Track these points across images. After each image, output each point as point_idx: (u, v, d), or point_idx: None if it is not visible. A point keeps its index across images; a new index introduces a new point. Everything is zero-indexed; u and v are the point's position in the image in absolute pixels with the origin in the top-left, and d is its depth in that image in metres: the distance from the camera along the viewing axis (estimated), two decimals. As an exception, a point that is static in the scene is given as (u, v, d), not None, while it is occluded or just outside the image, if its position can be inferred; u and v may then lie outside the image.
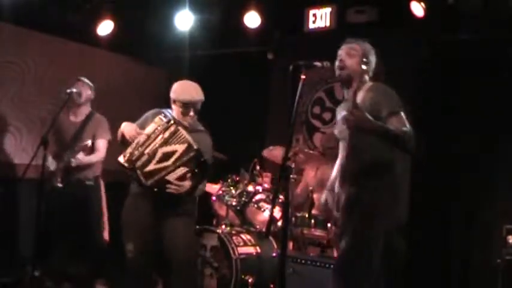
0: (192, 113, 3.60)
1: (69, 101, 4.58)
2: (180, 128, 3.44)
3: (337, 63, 3.24)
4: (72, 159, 4.50)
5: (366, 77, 3.25)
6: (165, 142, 3.40)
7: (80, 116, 4.80)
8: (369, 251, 3.04)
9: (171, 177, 3.36)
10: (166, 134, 3.41)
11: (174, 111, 3.66)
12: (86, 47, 5.98)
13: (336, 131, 3.37)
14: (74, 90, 4.62)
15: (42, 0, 5.35)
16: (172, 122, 3.46)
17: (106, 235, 4.92)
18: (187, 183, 3.40)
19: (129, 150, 3.41)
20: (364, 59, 3.21)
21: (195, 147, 3.39)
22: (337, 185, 3.28)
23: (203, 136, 3.72)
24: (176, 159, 3.37)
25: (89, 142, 4.58)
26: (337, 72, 3.22)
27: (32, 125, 5.61)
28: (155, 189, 3.39)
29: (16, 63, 5.57)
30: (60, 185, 4.54)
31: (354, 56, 3.20)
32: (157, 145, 3.39)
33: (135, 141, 3.41)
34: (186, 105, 3.58)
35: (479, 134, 4.99)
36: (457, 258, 5.08)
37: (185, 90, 3.62)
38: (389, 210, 3.08)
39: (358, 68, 3.19)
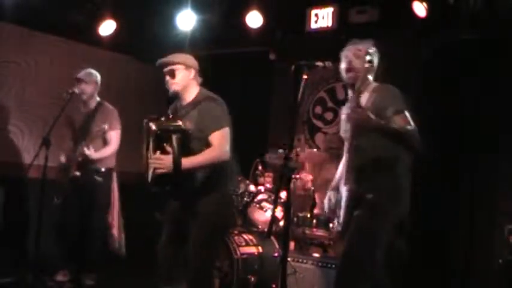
0: (167, 77, 3.41)
1: (71, 101, 4.59)
2: (150, 122, 3.29)
3: (344, 65, 3.27)
4: (85, 148, 4.48)
5: (370, 77, 3.28)
6: (148, 143, 3.31)
7: (89, 107, 4.79)
8: (372, 249, 3.07)
9: (153, 165, 3.21)
10: (145, 136, 3.33)
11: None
12: (88, 47, 5.99)
13: (341, 131, 3.41)
14: (76, 90, 4.62)
15: (44, 0, 5.36)
16: (145, 122, 3.34)
17: (115, 231, 4.90)
18: (166, 160, 3.16)
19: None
20: (369, 60, 3.24)
21: (154, 128, 3.23)
22: (341, 183, 3.31)
23: (203, 108, 3.37)
24: (151, 151, 3.26)
25: (105, 126, 4.57)
26: (347, 75, 3.24)
27: (34, 125, 5.62)
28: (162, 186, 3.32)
29: (17, 63, 5.59)
30: (78, 173, 4.54)
31: (360, 57, 3.23)
32: (149, 151, 3.31)
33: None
34: (164, 71, 3.44)
35: (479, 134, 5.00)
36: (458, 259, 5.08)
37: None
38: (393, 208, 3.12)
39: (364, 69, 3.22)
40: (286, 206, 3.06)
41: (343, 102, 5.92)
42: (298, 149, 4.71)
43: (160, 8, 5.82)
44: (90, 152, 4.51)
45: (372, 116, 3.03)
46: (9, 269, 4.73)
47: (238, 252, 4.26)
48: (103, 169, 4.69)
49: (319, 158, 5.01)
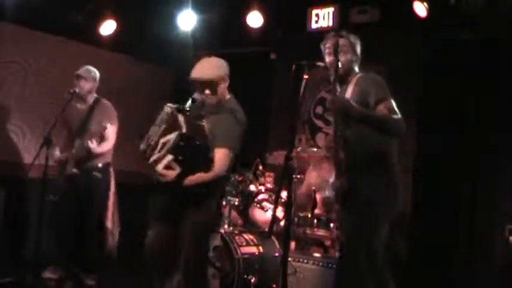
0: (207, 91, 3.31)
1: (72, 101, 4.60)
2: (179, 115, 3.19)
3: (330, 58, 3.18)
4: (89, 141, 4.47)
5: (356, 68, 3.27)
6: (164, 131, 3.19)
7: (86, 103, 4.80)
8: (369, 249, 3.05)
9: (159, 167, 3.14)
10: (165, 123, 3.21)
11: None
12: (88, 46, 5.98)
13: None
14: (77, 90, 4.63)
15: (44, 0, 5.36)
16: (172, 109, 3.22)
17: (109, 224, 4.91)
18: (171, 173, 3.14)
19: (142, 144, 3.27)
20: (354, 50, 3.23)
21: (183, 130, 3.13)
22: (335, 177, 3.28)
23: (223, 118, 3.32)
24: (168, 148, 3.15)
25: (104, 123, 4.56)
26: (333, 67, 3.14)
27: (34, 124, 5.61)
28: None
29: (18, 63, 5.59)
30: (75, 170, 4.54)
31: (347, 52, 3.20)
32: (158, 135, 3.21)
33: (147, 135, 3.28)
34: (195, 84, 3.34)
35: (480, 134, 5.00)
36: (458, 259, 5.09)
37: (197, 67, 3.36)
38: (389, 200, 3.08)
39: (350, 60, 3.20)
40: (288, 205, 3.05)
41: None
42: (299, 149, 4.71)
43: (161, 8, 5.83)
44: (94, 146, 4.51)
45: (352, 104, 2.98)
46: (9, 269, 4.73)
47: (239, 252, 4.25)
48: (100, 165, 4.70)
49: (319, 158, 5.00)
